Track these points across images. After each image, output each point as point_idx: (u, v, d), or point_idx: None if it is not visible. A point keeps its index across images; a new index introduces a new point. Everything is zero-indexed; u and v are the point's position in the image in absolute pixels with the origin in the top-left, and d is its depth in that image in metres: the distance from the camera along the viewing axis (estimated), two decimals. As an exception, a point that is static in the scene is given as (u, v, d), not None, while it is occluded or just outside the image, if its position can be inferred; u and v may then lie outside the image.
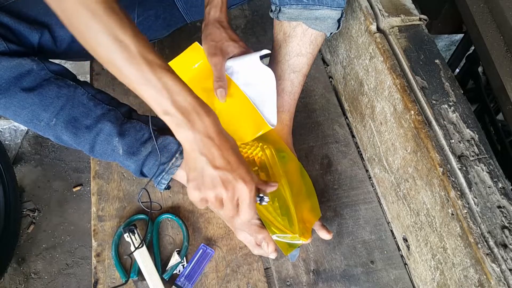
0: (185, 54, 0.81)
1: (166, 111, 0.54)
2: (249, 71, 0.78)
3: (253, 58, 0.77)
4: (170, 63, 0.77)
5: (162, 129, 0.77)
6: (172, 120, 0.55)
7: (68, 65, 1.34)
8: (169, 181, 0.79)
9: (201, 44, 0.80)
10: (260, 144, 0.78)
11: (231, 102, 0.78)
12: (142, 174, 0.80)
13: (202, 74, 0.79)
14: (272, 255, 0.73)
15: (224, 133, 0.59)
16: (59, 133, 0.74)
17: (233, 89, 0.78)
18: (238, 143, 0.75)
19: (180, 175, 0.79)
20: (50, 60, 0.75)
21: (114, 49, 0.51)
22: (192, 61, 0.81)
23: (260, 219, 0.74)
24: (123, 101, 0.85)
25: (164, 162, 0.77)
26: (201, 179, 0.59)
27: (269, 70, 0.77)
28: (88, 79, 1.07)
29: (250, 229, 0.74)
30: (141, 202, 0.82)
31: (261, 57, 0.77)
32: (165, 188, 0.81)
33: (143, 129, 0.77)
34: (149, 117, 0.77)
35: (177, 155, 0.76)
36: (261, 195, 0.65)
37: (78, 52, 0.59)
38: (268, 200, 0.66)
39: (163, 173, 0.78)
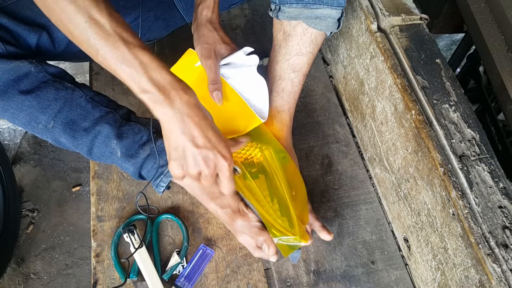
0: (181, 62, 0.81)
1: (143, 89, 0.54)
2: (234, 67, 0.79)
3: (238, 55, 0.78)
4: None
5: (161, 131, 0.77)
6: (149, 97, 0.55)
7: (67, 65, 1.34)
8: (168, 183, 0.79)
9: (193, 47, 0.80)
10: (259, 145, 0.78)
11: (224, 100, 0.78)
12: (141, 176, 0.80)
13: (198, 79, 0.80)
14: (273, 258, 0.73)
15: (203, 109, 0.59)
16: (57, 135, 0.73)
17: (224, 87, 0.78)
18: (230, 137, 0.76)
19: None
20: (48, 62, 0.74)
21: (89, 29, 0.51)
22: (188, 67, 0.81)
23: (260, 221, 0.74)
24: (123, 100, 0.84)
25: (163, 165, 0.77)
26: (183, 158, 0.60)
27: (254, 56, 0.78)
28: (87, 79, 1.06)
29: (251, 231, 0.74)
30: (139, 206, 0.82)
31: (257, 55, 0.79)
32: (164, 190, 0.80)
33: (141, 131, 0.77)
34: (150, 120, 0.77)
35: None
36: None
37: (77, 53, 0.59)
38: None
39: (162, 176, 0.78)
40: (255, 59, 0.78)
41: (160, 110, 0.56)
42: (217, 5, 0.80)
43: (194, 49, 0.81)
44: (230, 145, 0.68)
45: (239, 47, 0.80)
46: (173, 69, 0.81)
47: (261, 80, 0.79)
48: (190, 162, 0.60)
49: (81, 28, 0.51)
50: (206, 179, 0.63)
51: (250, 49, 0.78)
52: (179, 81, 0.56)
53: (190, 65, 0.81)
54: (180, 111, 0.56)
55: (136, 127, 0.77)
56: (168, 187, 0.83)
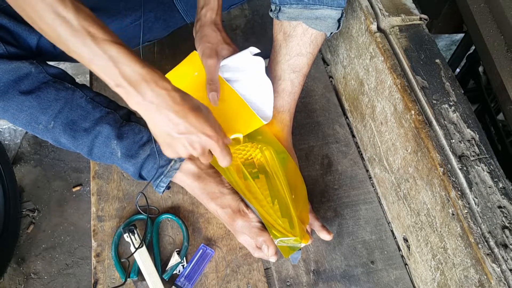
0: (184, 64, 0.81)
1: (115, 83, 0.55)
2: (239, 68, 0.79)
3: (243, 55, 0.78)
4: (168, 74, 0.78)
5: None
6: (122, 91, 0.56)
7: (67, 65, 1.34)
8: (168, 183, 0.79)
9: (193, 48, 0.80)
10: (260, 145, 0.78)
11: (224, 101, 0.78)
12: (141, 177, 0.80)
13: (199, 81, 0.80)
14: (273, 258, 0.73)
15: (179, 93, 0.59)
16: (57, 136, 0.74)
17: (225, 88, 0.78)
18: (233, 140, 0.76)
19: (179, 178, 0.79)
20: (48, 62, 0.74)
21: (58, 26, 0.51)
22: (191, 70, 0.81)
23: (261, 222, 0.74)
24: (123, 101, 0.84)
25: (163, 165, 0.77)
26: (169, 143, 0.62)
27: (259, 58, 0.78)
28: (87, 79, 1.06)
29: (251, 231, 0.74)
30: (139, 206, 0.82)
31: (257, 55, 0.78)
32: (164, 191, 0.80)
33: (142, 131, 0.77)
34: None
35: (176, 158, 0.76)
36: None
37: None
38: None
39: (162, 176, 0.78)
40: (261, 61, 0.78)
41: (134, 103, 0.57)
42: (220, 8, 0.80)
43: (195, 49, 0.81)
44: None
45: (240, 48, 0.80)
46: (175, 70, 0.81)
47: (268, 82, 0.79)
48: (178, 147, 0.62)
49: (50, 26, 0.52)
50: (200, 158, 0.65)
51: (256, 50, 0.78)
52: (150, 72, 0.56)
53: (192, 67, 0.81)
54: (153, 102, 0.56)
55: (137, 127, 0.77)
56: (168, 187, 0.83)
